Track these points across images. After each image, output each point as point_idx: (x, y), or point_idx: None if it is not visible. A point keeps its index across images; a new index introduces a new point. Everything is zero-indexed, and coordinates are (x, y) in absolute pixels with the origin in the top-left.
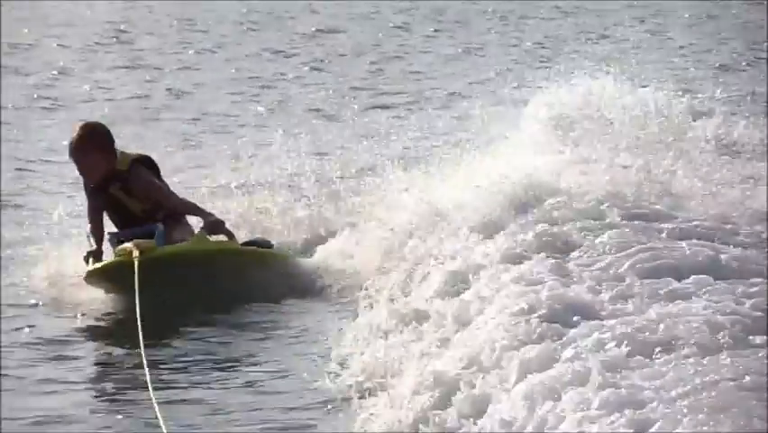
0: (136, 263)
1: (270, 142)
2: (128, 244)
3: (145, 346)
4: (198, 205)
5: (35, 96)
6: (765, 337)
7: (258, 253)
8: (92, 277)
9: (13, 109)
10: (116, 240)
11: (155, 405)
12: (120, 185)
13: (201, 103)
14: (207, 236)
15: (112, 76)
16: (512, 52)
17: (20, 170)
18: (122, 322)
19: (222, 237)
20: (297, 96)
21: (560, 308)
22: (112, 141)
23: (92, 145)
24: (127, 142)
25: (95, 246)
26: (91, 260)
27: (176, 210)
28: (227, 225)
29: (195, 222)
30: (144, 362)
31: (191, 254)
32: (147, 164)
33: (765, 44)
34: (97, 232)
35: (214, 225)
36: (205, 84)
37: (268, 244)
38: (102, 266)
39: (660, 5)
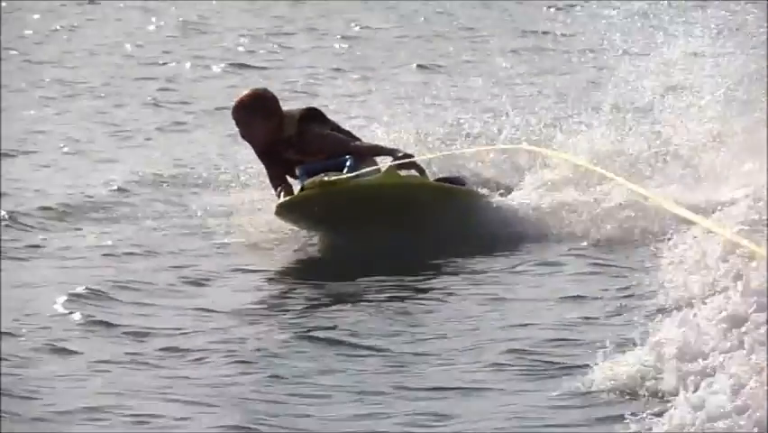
0: (325, 192)
1: None
2: (318, 177)
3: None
4: (380, 144)
5: None
6: None
7: (453, 189)
8: (282, 209)
9: None
10: (306, 173)
11: None
12: (294, 150)
13: None
14: (398, 171)
15: None
16: None
17: None
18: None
19: (413, 172)
20: None
21: None
22: (277, 107)
23: (254, 111)
24: None
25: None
26: (282, 193)
27: (359, 153)
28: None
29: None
30: None
31: (382, 188)
32: (313, 117)
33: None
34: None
35: (404, 160)
36: None
37: (461, 182)
38: (292, 198)
39: None
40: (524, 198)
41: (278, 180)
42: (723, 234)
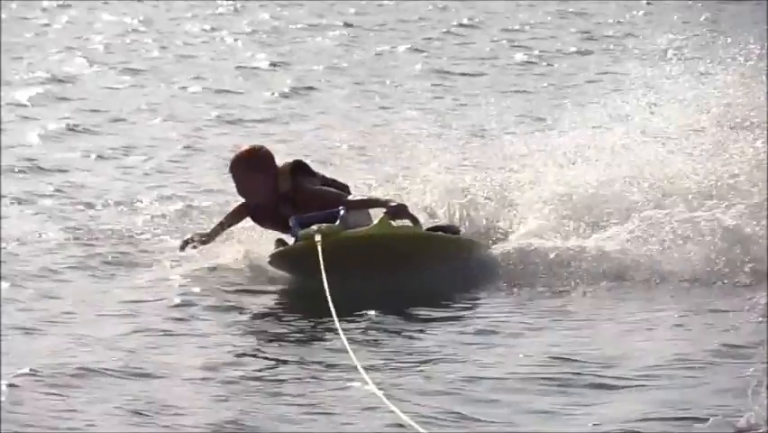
0: (319, 248)
1: None
2: (312, 228)
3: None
4: (372, 196)
5: None
6: None
7: (445, 239)
8: (276, 260)
9: None
10: (299, 224)
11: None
12: (290, 205)
13: None
14: (390, 221)
15: None
16: None
17: None
18: (310, 304)
19: (406, 222)
20: None
21: None
22: (273, 164)
23: (250, 168)
24: None
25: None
26: (276, 243)
27: (352, 206)
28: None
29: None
30: (345, 343)
31: (374, 238)
32: (301, 169)
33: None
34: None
35: (397, 210)
36: None
37: (455, 230)
38: (286, 249)
39: None
40: (519, 243)
41: (234, 221)
42: None
